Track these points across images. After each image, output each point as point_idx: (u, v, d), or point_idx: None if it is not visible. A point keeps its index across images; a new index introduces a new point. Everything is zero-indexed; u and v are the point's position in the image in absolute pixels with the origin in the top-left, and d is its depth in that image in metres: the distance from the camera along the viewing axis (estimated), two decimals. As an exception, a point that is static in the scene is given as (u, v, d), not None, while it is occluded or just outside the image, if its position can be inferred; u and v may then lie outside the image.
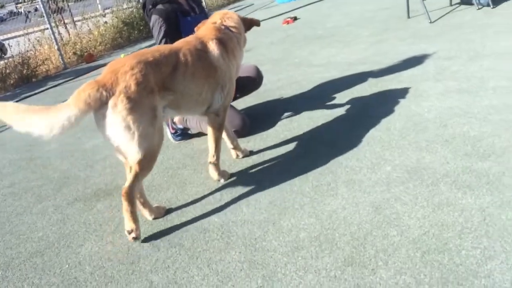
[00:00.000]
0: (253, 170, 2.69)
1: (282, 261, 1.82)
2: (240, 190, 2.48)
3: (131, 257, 2.08)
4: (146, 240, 2.19)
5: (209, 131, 2.57)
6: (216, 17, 2.70)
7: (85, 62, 9.33)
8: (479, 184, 2.00)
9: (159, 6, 3.09)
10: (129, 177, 2.13)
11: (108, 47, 10.32)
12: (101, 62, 8.79)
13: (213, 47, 2.48)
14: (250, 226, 2.12)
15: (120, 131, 2.03)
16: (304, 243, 1.90)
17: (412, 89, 3.39)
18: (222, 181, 2.61)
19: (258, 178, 2.57)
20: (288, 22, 8.23)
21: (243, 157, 2.88)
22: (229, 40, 2.61)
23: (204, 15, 3.29)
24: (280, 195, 2.33)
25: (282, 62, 5.48)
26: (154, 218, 2.34)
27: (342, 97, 3.62)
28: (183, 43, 2.46)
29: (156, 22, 3.03)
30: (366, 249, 1.77)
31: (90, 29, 10.71)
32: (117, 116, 2.01)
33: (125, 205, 2.13)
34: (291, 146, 2.91)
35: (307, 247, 1.87)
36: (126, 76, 2.06)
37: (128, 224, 2.15)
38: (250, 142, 3.10)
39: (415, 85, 3.46)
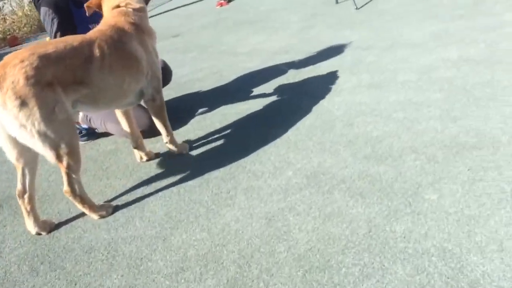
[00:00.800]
0: (156, 175, 2.55)
1: (164, 285, 1.72)
2: (138, 200, 2.34)
3: (6, 284, 1.90)
4: (25, 262, 2.01)
5: (154, 117, 2.61)
6: (114, 1, 2.48)
7: (8, 45, 8.66)
8: (371, 191, 1.98)
9: (48, -3, 2.81)
10: (63, 177, 2.10)
11: (35, 28, 9.63)
12: (26, 45, 8.19)
13: (129, 35, 2.34)
14: (139, 243, 1.99)
15: (16, 131, 1.92)
16: (191, 262, 1.80)
17: (327, 82, 3.35)
18: (184, 153, 2.70)
19: (159, 185, 2.43)
20: (221, 4, 8.01)
21: (147, 160, 2.72)
22: (142, 23, 2.47)
23: None
24: (177, 205, 2.21)
25: (209, 49, 5.30)
26: (37, 233, 2.16)
27: (260, 90, 3.53)
28: (96, 33, 2.28)
29: (46, 15, 2.76)
30: (251, 269, 1.69)
31: (13, 9, 9.95)
32: (8, 115, 1.88)
33: (77, 204, 2.18)
34: (199, 147, 2.79)
35: (193, 267, 1.77)
36: (15, 70, 1.90)
37: (95, 214, 2.20)
38: (159, 143, 2.94)
39: (330, 78, 3.41)
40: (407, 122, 2.51)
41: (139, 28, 2.41)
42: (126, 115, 2.64)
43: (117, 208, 2.30)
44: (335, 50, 4.10)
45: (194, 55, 5.17)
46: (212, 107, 3.41)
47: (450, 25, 3.99)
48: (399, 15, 4.69)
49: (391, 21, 4.56)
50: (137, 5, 2.49)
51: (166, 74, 3.26)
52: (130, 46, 2.32)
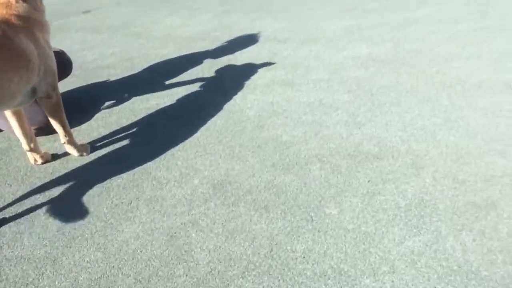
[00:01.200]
0: (50, 181, 2.34)
1: (50, 317, 1.58)
2: (28, 211, 2.13)
3: None
4: None
5: (49, 116, 2.38)
6: None
7: None
8: (275, 204, 1.96)
9: None
10: None
11: None
12: None
13: (15, 29, 2.06)
14: (26, 265, 1.81)
15: None
16: (82, 289, 1.67)
17: (242, 77, 3.28)
18: (85, 155, 2.52)
19: (53, 193, 2.24)
20: (139, -22, 7.51)
21: (43, 162, 2.49)
22: (30, 15, 2.19)
23: None
24: (71, 219, 2.04)
25: (121, 30, 4.99)
26: None
27: (172, 82, 3.38)
28: None
29: None
30: (146, 295, 1.61)
31: None
32: None
33: None
34: (102, 148, 2.61)
35: (84, 294, 1.65)
36: None
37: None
38: (57, 142, 2.70)
39: (246, 72, 3.35)
40: (315, 126, 2.52)
41: (26, 20, 2.15)
42: (17, 114, 2.38)
43: (4, 222, 2.08)
44: (253, 40, 4.03)
45: (105, 37, 4.84)
46: (120, 100, 3.20)
47: (363, 20, 4.07)
48: (317, 5, 4.72)
49: (309, 10, 4.58)
50: None
51: (66, 65, 3.00)
52: (16, 42, 2.07)
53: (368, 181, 2.01)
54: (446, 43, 3.32)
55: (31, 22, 2.17)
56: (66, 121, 2.44)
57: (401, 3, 4.38)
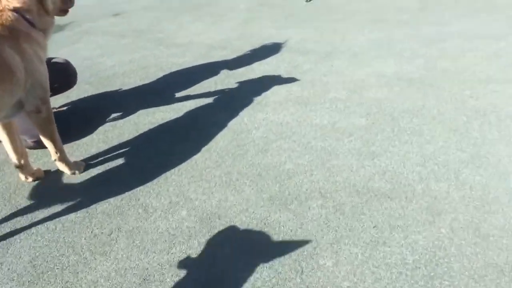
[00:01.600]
0: (36, 203, 2.21)
1: None
2: (6, 236, 2.01)
3: None
4: None
5: (39, 131, 2.23)
6: None
7: None
8: (265, 247, 1.73)
9: None
10: None
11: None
12: None
13: (3, 44, 1.94)
14: (-13, 302, 1.67)
15: None
16: (37, 336, 1.50)
17: (255, 92, 3.07)
18: (78, 173, 2.36)
19: (36, 216, 2.10)
20: (171, -18, 7.45)
21: (33, 180, 2.37)
22: (18, 25, 2.06)
23: None
24: (47, 249, 1.89)
25: (145, 35, 4.89)
26: None
27: (182, 96, 3.21)
28: None
29: None
30: None
31: None
32: None
33: None
34: (96, 166, 2.46)
35: None
36: None
37: None
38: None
39: (260, 87, 3.13)
40: (324, 154, 2.27)
41: (12, 31, 2.02)
42: (7, 128, 2.27)
43: (-21, 246, 1.96)
44: (274, 51, 3.82)
45: (128, 42, 4.74)
46: (126, 111, 3.06)
47: (394, 32, 3.76)
48: (346, 15, 4.43)
49: (338, 21, 4.30)
50: (18, 4, 2.09)
51: (69, 77, 2.88)
52: (4, 58, 1.94)
53: (374, 227, 1.74)
54: (484, 62, 2.97)
55: (17, 33, 2.04)
56: (58, 137, 2.30)
57: (436, 15, 4.02)
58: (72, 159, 2.43)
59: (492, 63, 2.93)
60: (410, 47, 3.40)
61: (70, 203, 2.16)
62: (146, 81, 3.60)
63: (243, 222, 1.89)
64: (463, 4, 4.16)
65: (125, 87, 3.55)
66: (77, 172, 2.39)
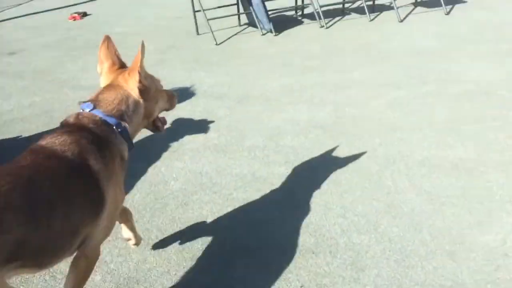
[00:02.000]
0: None
1: None
2: None
3: None
4: None
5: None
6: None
7: None
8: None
9: None
10: None
11: None
12: None
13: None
14: None
15: None
16: None
17: (172, 139, 2.96)
18: None
19: None
20: (75, 18, 7.15)
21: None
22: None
23: None
24: None
25: (47, 76, 4.55)
26: None
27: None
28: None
29: None
30: None
31: None
32: None
33: None
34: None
35: None
36: None
37: None
38: None
39: (176, 134, 3.03)
40: (246, 206, 2.23)
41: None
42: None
43: None
44: (187, 95, 3.75)
45: (26, 84, 4.37)
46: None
47: (303, 78, 3.91)
48: (256, 59, 4.54)
49: (247, 65, 4.38)
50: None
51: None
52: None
53: (301, 286, 1.71)
54: (387, 110, 3.19)
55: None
56: None
57: (339, 62, 4.28)
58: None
59: (396, 110, 3.16)
60: (319, 93, 3.56)
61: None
62: (50, 127, 3.32)
63: (164, 286, 1.75)
64: (361, 53, 4.49)
65: (25, 134, 3.24)
66: None
